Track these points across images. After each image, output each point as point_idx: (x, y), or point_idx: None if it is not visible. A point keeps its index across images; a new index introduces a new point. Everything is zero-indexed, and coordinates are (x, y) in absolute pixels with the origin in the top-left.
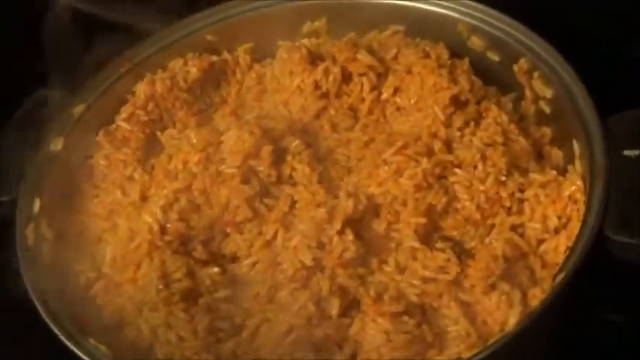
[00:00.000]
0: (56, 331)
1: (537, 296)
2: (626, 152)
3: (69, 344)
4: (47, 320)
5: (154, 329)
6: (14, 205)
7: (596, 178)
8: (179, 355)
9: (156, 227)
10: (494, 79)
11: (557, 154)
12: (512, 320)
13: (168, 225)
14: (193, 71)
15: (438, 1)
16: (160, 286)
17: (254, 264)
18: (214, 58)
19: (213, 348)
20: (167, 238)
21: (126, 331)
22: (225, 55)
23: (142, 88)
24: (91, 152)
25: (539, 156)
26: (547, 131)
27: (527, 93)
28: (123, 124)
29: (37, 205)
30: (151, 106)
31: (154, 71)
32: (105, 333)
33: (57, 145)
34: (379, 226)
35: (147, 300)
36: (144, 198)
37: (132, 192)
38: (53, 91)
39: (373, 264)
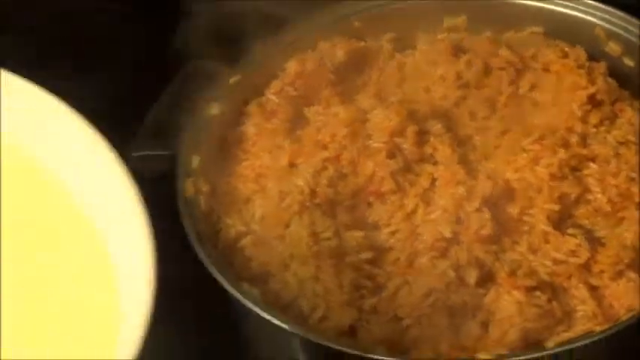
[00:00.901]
0: (214, 273)
1: None
2: None
3: (227, 286)
4: (205, 263)
5: (301, 282)
6: (175, 160)
7: None
8: (324, 306)
9: (307, 190)
10: (628, 83)
11: None
12: None
13: (318, 189)
14: (340, 54)
15: (576, 5)
16: (310, 243)
17: (394, 233)
18: (360, 43)
19: (356, 303)
20: (316, 200)
21: (271, 284)
22: (370, 42)
23: (292, 66)
24: (242, 120)
25: None
26: None
27: None
28: (272, 97)
29: (195, 161)
30: (299, 82)
31: (303, 51)
32: (252, 283)
33: (213, 109)
34: (513, 210)
35: (296, 255)
36: (292, 165)
37: (281, 158)
38: (213, 61)
39: (507, 243)
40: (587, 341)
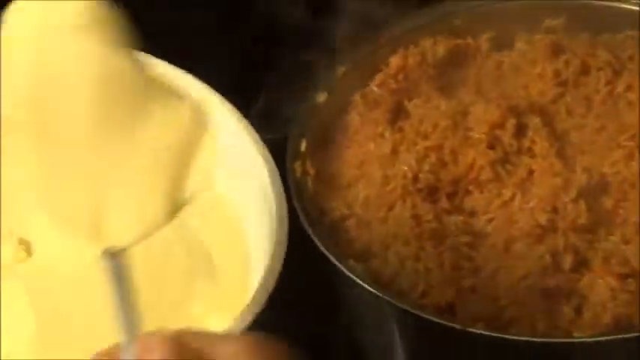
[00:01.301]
0: (323, 249)
1: None
2: None
3: (336, 262)
4: (315, 240)
5: (402, 261)
6: (281, 144)
7: None
8: (423, 284)
9: (410, 175)
10: None
11: None
12: None
13: (420, 175)
14: (441, 50)
15: None
16: (413, 224)
17: (490, 220)
18: (459, 41)
19: (455, 282)
20: (418, 186)
21: (372, 263)
22: (469, 40)
23: (395, 60)
24: (347, 109)
25: None
26: None
27: None
28: (375, 89)
29: (303, 144)
30: (401, 76)
31: (406, 46)
32: (353, 262)
33: (321, 98)
34: (608, 202)
35: (398, 235)
36: (395, 152)
37: (383, 146)
38: (321, 53)
39: (601, 233)
40: None
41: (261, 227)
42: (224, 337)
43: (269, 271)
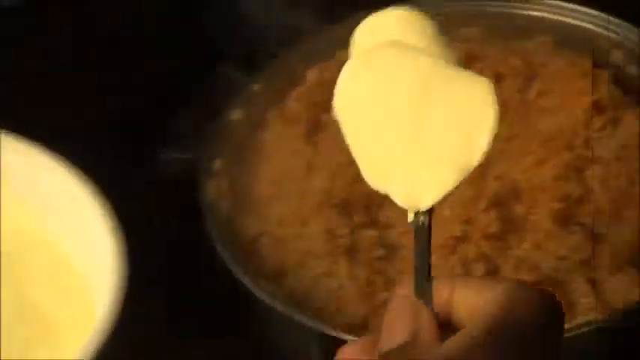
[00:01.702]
0: (235, 270)
1: None
2: None
3: (247, 283)
4: (227, 261)
5: (316, 277)
6: (195, 163)
7: None
8: (336, 302)
9: (324, 190)
10: (632, 91)
11: None
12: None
13: (334, 191)
14: None
15: (583, 17)
16: (326, 240)
17: (405, 232)
18: None
19: (368, 298)
20: (333, 201)
21: (284, 281)
22: None
23: (311, 74)
24: (263, 125)
25: None
26: None
27: None
28: (292, 104)
29: (217, 164)
30: (318, 90)
31: (323, 60)
32: (266, 282)
33: (235, 115)
34: (520, 209)
35: (311, 251)
36: (310, 168)
37: (299, 162)
38: (233, 69)
39: (513, 240)
40: (586, 329)
41: (101, 285)
42: (484, 284)
43: (97, 330)
